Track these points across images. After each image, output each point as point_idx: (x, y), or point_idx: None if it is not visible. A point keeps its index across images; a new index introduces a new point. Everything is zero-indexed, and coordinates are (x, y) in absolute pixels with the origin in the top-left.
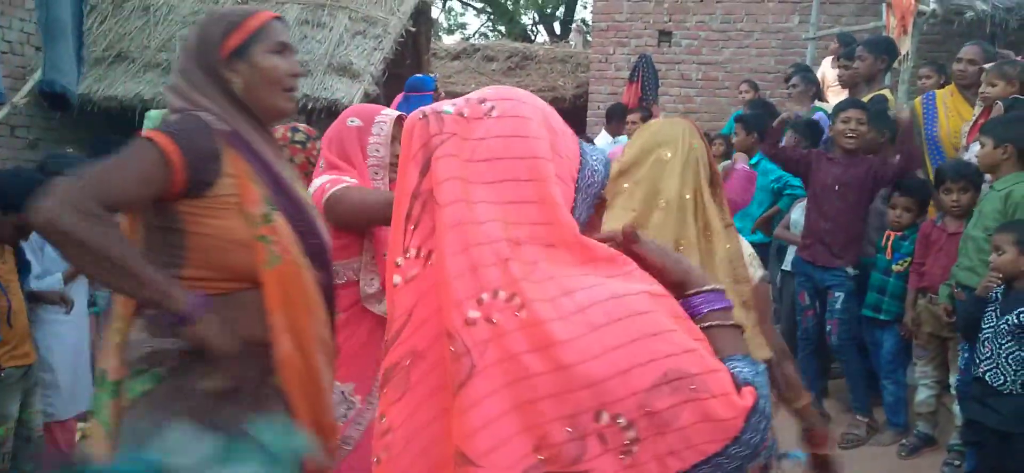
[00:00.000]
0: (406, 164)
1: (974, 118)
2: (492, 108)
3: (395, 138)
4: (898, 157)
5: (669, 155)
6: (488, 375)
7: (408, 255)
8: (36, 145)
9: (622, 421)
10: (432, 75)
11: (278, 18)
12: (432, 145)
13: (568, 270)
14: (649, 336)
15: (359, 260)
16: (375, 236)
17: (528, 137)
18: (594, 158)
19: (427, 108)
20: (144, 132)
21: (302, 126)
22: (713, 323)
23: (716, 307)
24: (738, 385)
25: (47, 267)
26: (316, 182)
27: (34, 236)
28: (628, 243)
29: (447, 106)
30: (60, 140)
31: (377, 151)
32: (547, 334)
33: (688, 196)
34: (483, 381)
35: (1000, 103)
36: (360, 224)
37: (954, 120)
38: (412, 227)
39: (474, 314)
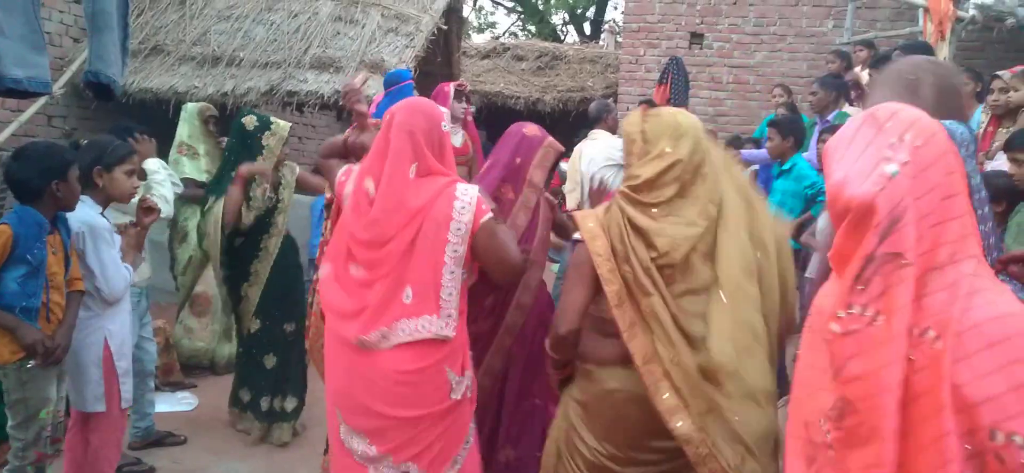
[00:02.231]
0: (865, 228)
1: (983, 126)
2: (918, 143)
3: None
4: None
5: (704, 137)
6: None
7: (851, 311)
8: (72, 135)
9: (1018, 439)
10: (407, 68)
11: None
12: (897, 212)
13: (978, 284)
14: None
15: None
16: None
17: (954, 172)
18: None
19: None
20: None
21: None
22: None
23: None
24: None
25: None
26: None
27: (78, 215)
28: None
29: (892, 166)
30: (96, 130)
31: None
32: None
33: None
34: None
35: None
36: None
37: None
38: (861, 287)
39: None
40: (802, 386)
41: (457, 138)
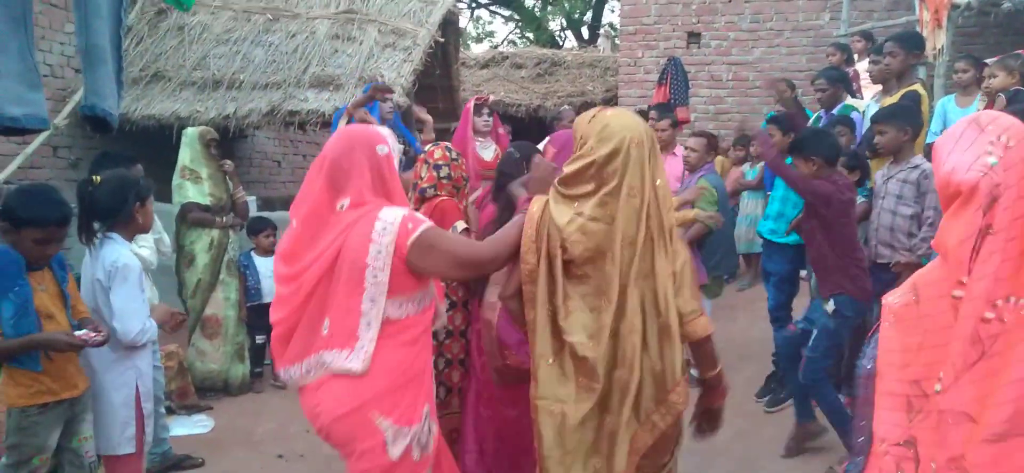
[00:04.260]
0: (970, 207)
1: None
2: (1012, 143)
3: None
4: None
5: (635, 139)
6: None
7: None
8: (77, 165)
9: None
10: (378, 80)
11: None
12: (996, 192)
13: None
14: None
15: (423, 293)
16: None
17: None
18: None
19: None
20: None
21: (437, 154)
22: None
23: None
24: None
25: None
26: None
27: (107, 255)
28: None
29: (992, 158)
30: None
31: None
32: None
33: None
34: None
35: (1002, 95)
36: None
37: None
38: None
39: (990, 315)
40: (906, 351)
41: (488, 152)
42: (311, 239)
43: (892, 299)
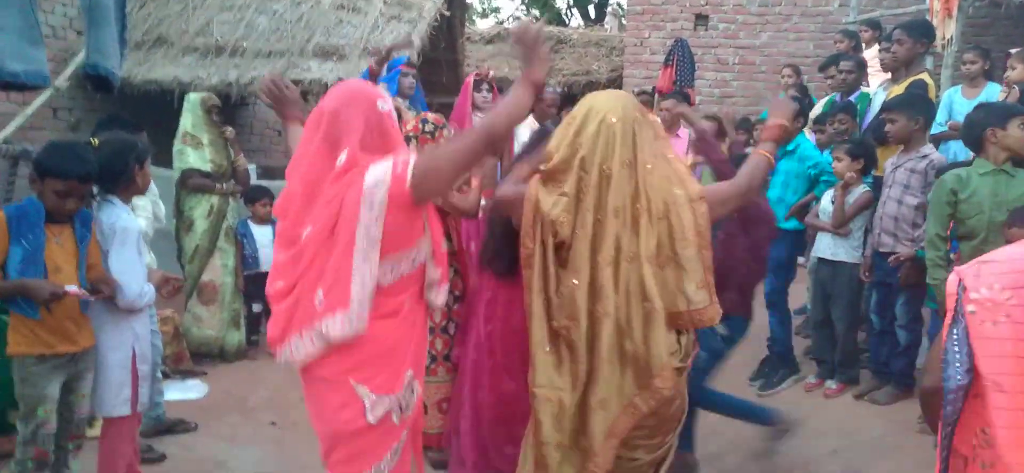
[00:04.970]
0: None
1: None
2: None
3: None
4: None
5: (614, 121)
6: None
7: None
8: (78, 127)
9: None
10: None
11: None
12: None
13: None
14: None
15: (417, 249)
16: (431, 223)
17: None
18: None
19: None
20: None
21: (431, 116)
22: None
23: None
24: None
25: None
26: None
27: (105, 217)
28: None
29: None
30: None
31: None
32: None
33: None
34: None
35: (1016, 87)
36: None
37: None
38: None
39: None
40: None
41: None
42: (309, 199)
43: (989, 291)
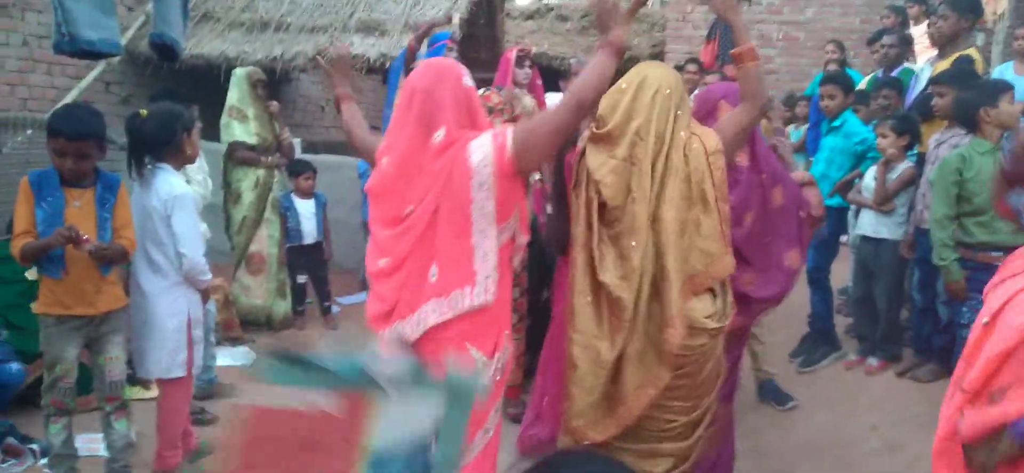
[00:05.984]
0: None
1: None
2: None
3: None
4: None
5: (668, 91)
6: None
7: None
8: (128, 100)
9: None
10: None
11: None
12: None
13: None
14: None
15: (516, 217)
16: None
17: None
18: None
19: None
20: None
21: (495, 99)
22: None
23: None
24: None
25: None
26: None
27: (159, 184)
28: None
29: None
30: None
31: None
32: None
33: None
34: None
35: None
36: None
37: None
38: None
39: None
40: None
41: (526, 102)
42: (408, 178)
43: None
